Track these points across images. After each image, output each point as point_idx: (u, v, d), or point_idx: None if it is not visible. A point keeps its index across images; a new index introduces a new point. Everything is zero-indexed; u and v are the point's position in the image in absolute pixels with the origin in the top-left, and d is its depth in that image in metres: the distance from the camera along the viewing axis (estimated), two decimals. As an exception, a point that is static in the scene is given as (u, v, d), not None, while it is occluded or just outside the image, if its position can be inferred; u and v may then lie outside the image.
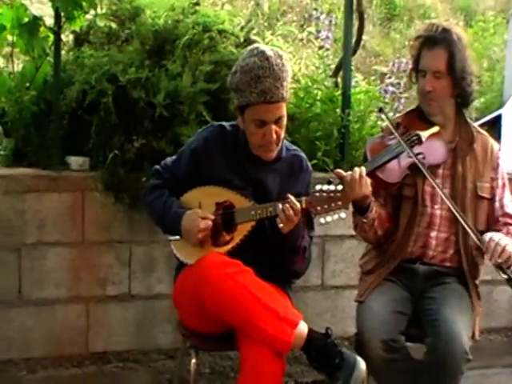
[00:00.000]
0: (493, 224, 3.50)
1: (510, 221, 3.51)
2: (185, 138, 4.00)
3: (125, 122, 4.15)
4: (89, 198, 4.13)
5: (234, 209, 3.27)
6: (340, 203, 3.11)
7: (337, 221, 3.16)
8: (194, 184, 3.32)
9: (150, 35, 4.35)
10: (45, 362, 4.14)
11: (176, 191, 3.35)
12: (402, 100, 5.72)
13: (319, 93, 4.86)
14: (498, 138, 5.09)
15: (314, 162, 4.39)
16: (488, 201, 3.51)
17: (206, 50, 4.39)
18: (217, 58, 4.35)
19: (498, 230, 3.46)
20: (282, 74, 3.13)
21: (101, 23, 4.48)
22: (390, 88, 5.74)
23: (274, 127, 3.17)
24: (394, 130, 3.46)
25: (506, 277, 3.29)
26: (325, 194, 3.11)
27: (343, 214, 3.13)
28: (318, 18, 6.19)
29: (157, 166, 3.47)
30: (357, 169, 3.21)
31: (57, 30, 4.19)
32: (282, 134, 3.25)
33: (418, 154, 3.42)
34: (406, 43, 7.41)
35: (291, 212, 3.08)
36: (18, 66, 4.89)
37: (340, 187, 3.12)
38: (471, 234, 3.34)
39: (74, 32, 4.61)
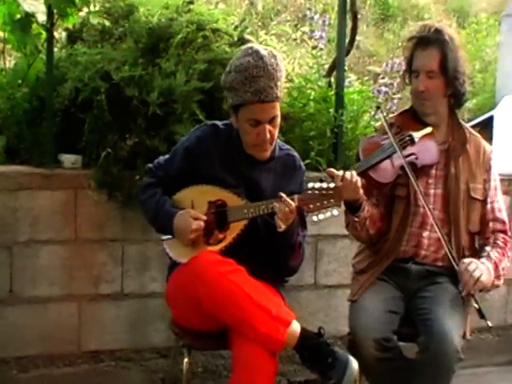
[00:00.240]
0: (484, 227, 3.52)
1: (498, 226, 3.53)
2: (178, 136, 3.99)
3: (118, 120, 4.15)
4: (82, 196, 4.12)
5: (226, 207, 3.27)
6: (332, 200, 3.11)
7: (330, 220, 3.17)
8: (187, 182, 3.32)
9: (144, 33, 4.34)
10: (37, 360, 4.12)
11: (169, 190, 3.35)
12: (395, 100, 5.73)
13: (313, 92, 4.86)
14: (489, 139, 5.10)
15: (308, 161, 4.39)
16: (481, 202, 3.52)
17: (200, 49, 4.39)
18: (211, 57, 4.35)
19: (487, 238, 3.51)
20: (276, 74, 3.13)
21: (94, 20, 4.46)
22: (384, 88, 5.75)
23: (268, 127, 3.18)
24: (388, 130, 3.46)
25: (477, 307, 3.34)
26: (317, 192, 3.12)
27: (336, 212, 3.14)
28: (312, 18, 6.19)
29: (150, 165, 3.47)
30: (348, 172, 3.22)
31: (49, 27, 4.18)
32: (276, 134, 3.26)
33: (411, 154, 3.43)
34: (400, 44, 7.41)
35: (287, 210, 3.08)
36: (10, 63, 4.88)
37: (332, 185, 3.13)
38: (450, 257, 3.37)
39: (66, 29, 4.61)
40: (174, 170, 3.37)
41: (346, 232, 3.62)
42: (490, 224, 3.52)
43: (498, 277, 3.43)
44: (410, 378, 3.23)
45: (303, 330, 3.08)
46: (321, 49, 5.64)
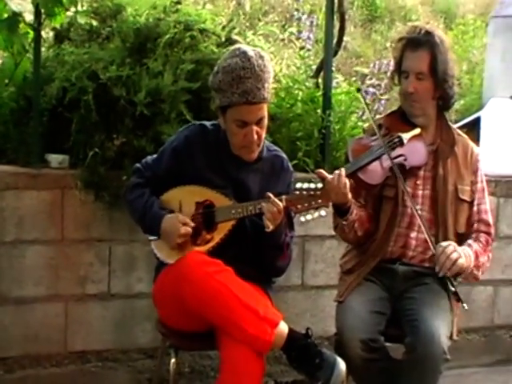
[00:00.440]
0: (468, 228, 3.53)
1: (483, 228, 3.54)
2: (165, 136, 3.98)
3: (105, 120, 4.14)
4: (68, 196, 4.11)
5: (214, 208, 3.27)
6: (320, 201, 3.12)
7: (317, 220, 3.17)
8: (174, 183, 3.32)
9: (132, 33, 4.33)
10: (23, 361, 4.10)
11: (157, 190, 3.34)
12: (383, 101, 5.75)
13: (300, 93, 4.87)
14: (477, 140, 5.12)
15: (295, 162, 4.39)
16: (468, 204, 3.53)
17: (188, 49, 4.38)
18: (198, 57, 4.34)
19: (470, 237, 3.51)
20: (264, 75, 3.13)
21: (82, 20, 4.44)
22: (371, 89, 5.76)
23: (255, 128, 3.18)
24: (377, 131, 3.47)
25: (453, 289, 3.34)
26: (305, 193, 3.12)
27: (323, 212, 3.14)
28: (299, 19, 6.22)
29: (138, 165, 3.46)
30: (337, 172, 3.22)
31: (37, 27, 4.17)
32: (264, 135, 3.26)
33: (400, 155, 3.44)
34: (387, 45, 7.44)
35: (274, 210, 3.08)
36: (-3, 62, 4.87)
37: (320, 185, 3.13)
38: (429, 242, 3.37)
39: (54, 29, 4.59)
40: (161, 170, 3.36)
41: (333, 233, 3.62)
42: (475, 225, 3.53)
43: (477, 267, 3.43)
44: (396, 378, 3.24)
45: (291, 330, 3.08)
46: (308, 49, 5.66)
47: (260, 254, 3.28)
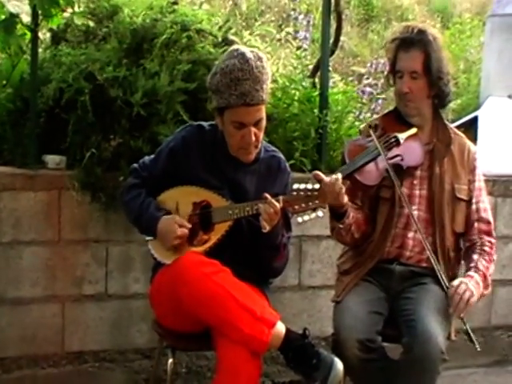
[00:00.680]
0: (469, 228, 3.53)
1: (483, 227, 3.53)
2: (162, 137, 3.98)
3: (102, 121, 4.13)
4: (65, 197, 4.10)
5: (211, 208, 3.26)
6: (317, 202, 3.11)
7: (314, 220, 3.18)
8: (171, 183, 3.32)
9: (128, 34, 4.33)
10: (20, 361, 4.10)
11: (153, 190, 3.34)
12: (380, 101, 5.75)
13: (297, 93, 4.86)
14: (474, 139, 5.12)
15: (292, 162, 4.37)
16: (466, 203, 3.53)
17: (184, 50, 4.37)
18: (195, 58, 4.34)
19: (473, 241, 3.51)
20: (262, 77, 3.13)
21: (78, 21, 4.44)
22: (368, 89, 5.76)
23: (253, 129, 3.17)
24: (372, 134, 3.48)
25: (467, 330, 3.32)
26: (302, 193, 3.11)
27: (320, 213, 3.14)
28: (296, 19, 6.22)
29: (135, 165, 3.46)
30: (334, 176, 3.22)
31: (34, 28, 4.17)
32: (261, 136, 3.26)
33: (396, 155, 3.44)
34: (384, 45, 7.43)
35: (271, 211, 3.08)
36: (-6, 64, 4.86)
37: (317, 186, 3.13)
38: (440, 278, 3.36)
39: (51, 30, 4.58)
40: (158, 171, 3.36)
41: (330, 233, 3.62)
42: (475, 224, 3.52)
43: (486, 287, 3.43)
44: (394, 379, 3.23)
45: (288, 331, 3.08)
46: (305, 49, 5.66)
47: (257, 255, 3.27)
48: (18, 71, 4.44)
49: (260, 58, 3.15)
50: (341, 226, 3.38)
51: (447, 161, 3.51)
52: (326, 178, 3.18)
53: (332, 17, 5.01)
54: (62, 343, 4.19)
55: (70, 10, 4.36)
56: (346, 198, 3.25)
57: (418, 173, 3.50)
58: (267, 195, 3.11)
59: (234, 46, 3.32)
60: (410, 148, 3.47)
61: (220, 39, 4.58)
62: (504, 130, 5.47)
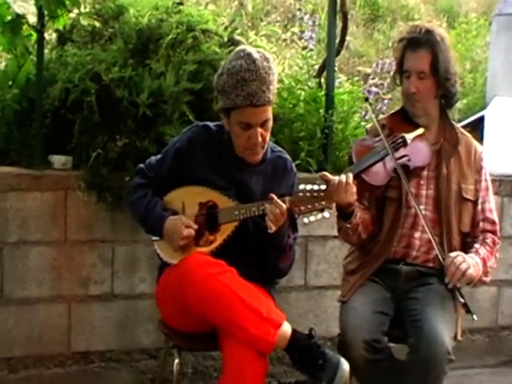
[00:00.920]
0: (474, 227, 3.53)
1: (488, 227, 3.53)
2: (168, 137, 3.99)
3: (108, 121, 4.13)
4: (71, 197, 4.11)
5: (217, 209, 3.26)
6: (324, 203, 3.11)
7: (320, 221, 3.17)
8: (177, 183, 3.32)
9: (134, 34, 4.33)
10: (26, 361, 4.11)
11: (160, 190, 3.34)
12: (386, 101, 5.74)
13: (303, 93, 4.86)
14: (480, 139, 5.11)
15: (298, 162, 4.38)
16: (472, 203, 3.52)
17: (190, 50, 4.37)
18: (200, 58, 4.34)
19: (476, 237, 3.51)
20: (269, 78, 3.13)
21: (84, 22, 4.45)
22: (374, 89, 5.75)
23: (259, 130, 3.17)
24: (380, 132, 3.47)
25: (462, 301, 3.33)
26: (308, 194, 3.11)
27: (327, 214, 3.14)
28: (301, 19, 6.19)
29: (141, 165, 3.46)
30: (343, 175, 3.21)
31: (40, 29, 4.17)
32: (268, 137, 3.25)
33: (404, 156, 3.43)
34: (390, 44, 7.43)
35: (277, 211, 3.08)
36: (0, 64, 4.86)
37: (323, 186, 3.12)
38: (437, 252, 3.37)
39: (57, 30, 4.58)
40: (164, 171, 3.36)
41: (336, 233, 3.61)
42: (480, 224, 3.52)
43: (485, 273, 3.44)
44: (400, 379, 3.23)
45: (294, 331, 3.08)
46: (311, 49, 5.64)
47: (262, 256, 3.27)
48: (24, 72, 4.45)
49: (267, 59, 3.14)
50: (348, 225, 3.38)
51: (454, 161, 3.51)
52: (335, 178, 3.18)
53: (338, 17, 5.00)
54: (68, 343, 4.20)
55: (75, 10, 4.38)
56: (354, 196, 3.25)
57: (425, 173, 3.50)
58: (273, 196, 3.11)
59: (241, 47, 3.31)
60: (417, 148, 3.46)
61: (226, 39, 4.58)
62: (510, 130, 5.46)
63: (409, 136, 3.47)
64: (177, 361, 3.32)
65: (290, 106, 4.74)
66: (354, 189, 3.22)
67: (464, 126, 4.47)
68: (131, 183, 3.48)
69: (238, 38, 4.65)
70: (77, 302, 4.18)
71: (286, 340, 3.06)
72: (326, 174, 3.23)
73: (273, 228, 3.11)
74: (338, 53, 5.22)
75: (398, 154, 3.42)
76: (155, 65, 4.23)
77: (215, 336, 3.12)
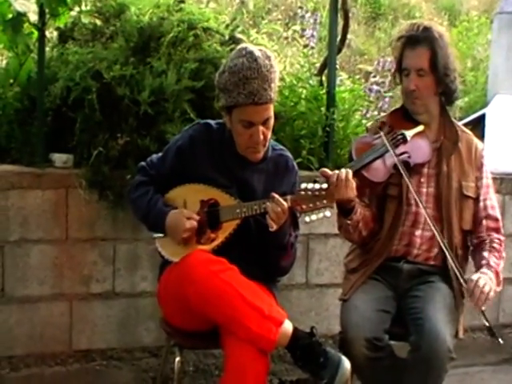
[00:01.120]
0: (477, 225, 3.52)
1: (491, 224, 3.53)
2: (169, 135, 3.99)
3: (109, 120, 4.13)
4: (73, 196, 4.11)
5: (218, 207, 3.26)
6: (325, 201, 3.11)
7: (321, 219, 3.16)
8: (179, 181, 3.32)
9: (135, 32, 4.33)
10: (28, 359, 4.11)
11: (161, 188, 3.35)
12: (387, 99, 5.74)
13: (304, 91, 4.86)
14: (481, 137, 5.11)
15: (299, 160, 4.38)
16: (473, 200, 3.52)
17: (191, 48, 4.37)
18: (202, 56, 4.34)
19: (481, 238, 3.51)
20: (270, 76, 3.13)
21: (85, 20, 4.46)
22: (375, 87, 5.75)
23: (261, 128, 3.17)
24: (381, 132, 3.47)
25: (487, 325, 3.31)
26: (310, 193, 3.11)
27: (328, 213, 3.13)
28: (303, 17, 6.20)
29: (142, 163, 3.46)
30: (343, 170, 3.21)
31: (41, 27, 4.17)
32: (269, 135, 3.25)
33: (404, 153, 3.43)
34: (390, 43, 7.43)
35: (279, 210, 3.08)
36: (1, 62, 4.87)
37: (325, 185, 3.12)
38: (457, 274, 3.33)
39: (58, 28, 4.58)
40: (165, 169, 3.36)
41: (337, 231, 3.62)
42: (483, 222, 3.52)
43: (498, 283, 3.42)
44: (401, 377, 3.23)
45: (295, 329, 3.08)
46: (312, 47, 5.65)
47: (264, 254, 3.28)
48: (26, 70, 4.44)
49: (268, 57, 3.15)
50: (348, 222, 3.37)
51: (454, 158, 3.51)
52: (335, 172, 3.18)
53: (339, 15, 5.00)
54: (69, 341, 4.20)
55: (77, 8, 4.37)
56: (354, 192, 3.25)
57: (426, 170, 3.50)
58: (275, 194, 3.11)
59: (242, 45, 3.30)
60: (416, 145, 3.46)
61: (227, 37, 4.58)
62: (511, 128, 5.46)
63: (408, 133, 3.47)
64: (178, 359, 3.32)
65: (292, 104, 4.74)
66: (354, 184, 3.22)
67: (465, 124, 4.47)
68: (132, 181, 3.48)
69: (239, 36, 4.65)
70: (78, 301, 4.19)
71: (288, 338, 3.05)
72: (327, 170, 3.24)
73: (274, 227, 3.11)
74: (340, 51, 5.21)
75: (397, 151, 3.42)
76: (156, 63, 4.23)
77: (217, 334, 3.12)
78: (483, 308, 3.27)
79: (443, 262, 3.43)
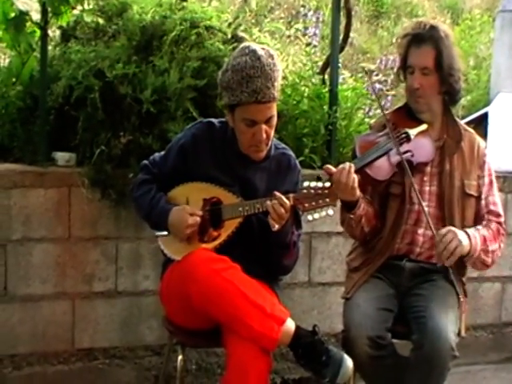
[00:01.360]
0: (478, 221, 3.52)
1: (493, 218, 3.52)
2: (172, 134, 3.99)
3: (112, 118, 4.14)
4: (75, 194, 4.11)
5: (221, 205, 3.26)
6: (328, 200, 3.11)
7: (324, 218, 3.16)
8: (181, 180, 3.32)
9: (137, 31, 4.33)
10: (30, 358, 4.11)
11: (164, 187, 3.35)
12: (389, 97, 5.74)
13: (306, 90, 4.86)
14: (484, 135, 5.11)
15: (301, 158, 4.39)
16: (475, 199, 3.52)
17: (194, 46, 4.37)
18: (204, 54, 4.34)
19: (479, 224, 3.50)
20: (273, 74, 3.12)
21: (88, 19, 4.46)
22: (378, 85, 5.75)
23: (264, 127, 3.17)
24: (386, 123, 3.47)
25: (451, 279, 3.33)
26: (312, 191, 3.11)
27: (331, 211, 3.13)
28: (305, 15, 6.22)
29: (145, 161, 3.46)
30: (347, 163, 3.21)
31: (43, 26, 4.17)
32: (272, 134, 3.25)
33: (407, 151, 3.43)
34: (394, 41, 7.43)
35: (281, 209, 3.08)
36: (4, 61, 4.87)
37: (328, 184, 3.12)
38: (433, 230, 3.34)
39: (60, 27, 4.58)
40: (168, 167, 3.36)
41: (340, 229, 3.62)
42: (485, 217, 3.51)
43: (485, 252, 3.41)
44: (403, 375, 3.23)
45: (297, 328, 3.08)
46: (314, 46, 5.66)
47: (266, 252, 3.27)
48: (28, 69, 4.44)
49: (271, 55, 3.15)
50: (351, 216, 3.37)
51: (457, 157, 3.50)
52: (338, 171, 3.18)
53: (341, 13, 5.00)
54: (72, 340, 4.20)
55: (79, 7, 4.38)
56: (357, 191, 3.25)
57: (428, 169, 3.49)
58: (277, 193, 3.11)
59: (245, 43, 3.30)
60: (420, 144, 3.46)
61: (229, 36, 4.58)
62: (514, 126, 5.46)
63: (412, 131, 3.47)
64: (180, 357, 3.32)
65: (294, 102, 4.74)
66: (356, 183, 3.21)
67: (468, 123, 4.47)
68: (135, 180, 3.49)
69: (241, 34, 4.65)
70: (81, 299, 4.19)
71: (290, 336, 3.05)
72: (330, 166, 3.24)
73: (276, 227, 3.11)
74: (342, 49, 5.21)
75: (401, 149, 3.42)
76: (159, 61, 4.23)
77: (219, 332, 3.12)
78: (446, 264, 3.29)
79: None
